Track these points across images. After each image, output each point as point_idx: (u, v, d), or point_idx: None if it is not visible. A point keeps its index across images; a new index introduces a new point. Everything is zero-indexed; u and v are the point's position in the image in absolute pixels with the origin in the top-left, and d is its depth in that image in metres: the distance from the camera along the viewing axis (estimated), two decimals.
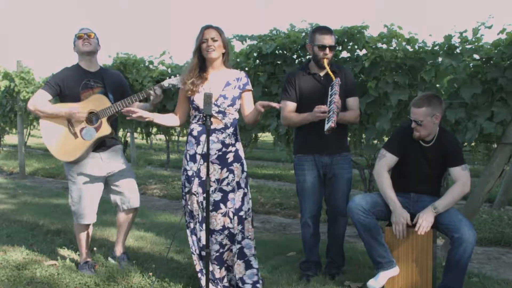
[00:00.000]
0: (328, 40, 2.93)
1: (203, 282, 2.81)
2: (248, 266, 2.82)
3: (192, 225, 2.85)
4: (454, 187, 2.71)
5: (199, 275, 2.84)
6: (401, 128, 2.93)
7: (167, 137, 8.11)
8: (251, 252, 2.84)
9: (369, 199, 2.80)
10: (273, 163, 10.39)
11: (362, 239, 2.79)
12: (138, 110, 2.78)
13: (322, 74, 3.01)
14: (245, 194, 2.84)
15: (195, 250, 2.84)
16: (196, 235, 2.82)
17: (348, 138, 4.16)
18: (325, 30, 2.98)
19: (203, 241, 2.77)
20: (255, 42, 4.13)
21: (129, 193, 3.24)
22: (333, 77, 2.88)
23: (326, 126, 2.73)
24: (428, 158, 2.80)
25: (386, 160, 2.83)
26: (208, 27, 2.75)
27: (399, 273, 2.77)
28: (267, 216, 5.40)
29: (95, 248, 3.55)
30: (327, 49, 2.93)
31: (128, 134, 9.35)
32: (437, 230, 2.75)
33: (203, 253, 2.77)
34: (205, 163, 2.65)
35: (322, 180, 3.07)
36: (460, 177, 2.72)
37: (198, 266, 2.83)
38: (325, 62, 2.93)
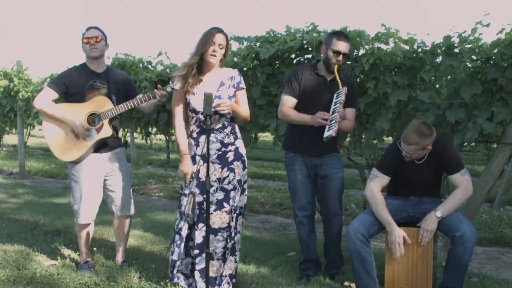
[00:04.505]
0: (344, 47, 2.91)
1: (173, 276, 2.88)
2: (235, 261, 2.90)
3: (181, 225, 2.86)
4: (457, 192, 2.70)
5: (170, 269, 2.89)
6: (392, 146, 2.90)
7: (167, 137, 8.11)
8: (238, 247, 2.92)
9: (367, 221, 2.76)
10: (273, 163, 10.39)
11: (353, 268, 2.74)
12: (187, 174, 2.80)
13: (329, 78, 3.00)
14: (243, 191, 2.89)
15: (177, 246, 2.85)
16: (181, 234, 2.84)
17: (348, 138, 4.17)
18: (343, 36, 2.94)
19: (197, 240, 2.80)
20: (252, 43, 4.13)
21: (122, 200, 3.23)
22: (341, 85, 2.87)
23: (326, 134, 2.72)
24: (424, 171, 2.80)
25: (379, 180, 2.81)
26: (220, 31, 2.74)
27: (400, 273, 2.78)
28: (267, 216, 5.40)
29: (95, 248, 3.55)
30: (341, 55, 2.91)
31: (128, 134, 9.35)
32: (438, 230, 2.74)
33: (196, 251, 2.81)
34: (205, 164, 2.66)
35: (313, 179, 3.07)
36: (461, 182, 2.71)
37: (174, 261, 2.87)
38: (336, 68, 2.91)
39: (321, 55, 3.03)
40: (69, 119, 3.00)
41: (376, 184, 2.80)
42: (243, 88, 2.89)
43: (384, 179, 2.82)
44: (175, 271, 2.89)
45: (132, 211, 3.31)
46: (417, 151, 2.68)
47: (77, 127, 2.99)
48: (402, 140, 2.72)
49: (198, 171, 2.81)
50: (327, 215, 3.10)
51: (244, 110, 2.88)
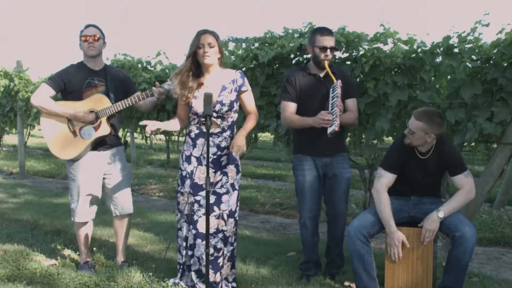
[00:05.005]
0: (329, 41, 2.92)
1: (180, 277, 2.89)
2: (233, 266, 2.90)
3: (181, 223, 2.88)
4: (459, 194, 2.70)
5: (182, 272, 2.90)
6: (396, 143, 2.90)
7: (167, 137, 8.14)
8: (236, 252, 2.91)
9: (367, 221, 2.75)
10: (273, 163, 10.40)
11: (353, 268, 2.74)
12: (148, 123, 2.72)
13: (322, 75, 3.00)
14: (237, 196, 2.88)
15: (184, 248, 2.87)
16: (182, 233, 2.87)
17: (348, 138, 4.17)
18: (326, 31, 2.96)
19: (190, 241, 2.80)
20: (250, 45, 4.13)
21: (121, 198, 3.22)
22: (334, 79, 2.87)
23: (329, 130, 2.72)
24: (427, 169, 2.79)
25: (385, 180, 2.80)
26: (204, 32, 2.71)
27: (399, 273, 2.78)
28: (267, 216, 5.40)
29: (95, 248, 3.55)
30: (328, 50, 2.92)
31: (128, 134, 9.35)
32: (438, 230, 2.74)
33: (190, 252, 2.81)
34: (199, 166, 2.67)
35: (321, 180, 3.07)
36: (464, 184, 2.71)
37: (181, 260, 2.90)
38: (326, 63, 2.92)
39: (309, 54, 3.04)
40: (70, 112, 3.00)
41: (382, 183, 2.79)
42: (247, 90, 2.86)
43: (390, 177, 2.81)
44: (185, 272, 2.90)
45: (131, 210, 3.30)
46: (419, 131, 2.67)
47: (79, 117, 2.98)
48: (413, 114, 2.72)
49: (192, 172, 2.81)
50: (333, 215, 3.10)
51: (251, 120, 2.85)
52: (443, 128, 2.73)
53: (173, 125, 2.94)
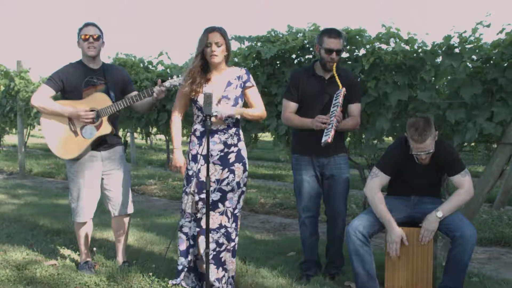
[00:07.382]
0: (336, 44, 2.89)
1: (182, 277, 2.88)
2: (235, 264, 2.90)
3: (182, 222, 2.88)
4: (458, 193, 2.70)
5: (179, 271, 2.89)
6: (395, 144, 2.89)
7: (167, 137, 8.14)
8: (237, 248, 2.90)
9: (366, 221, 2.75)
10: (273, 163, 10.40)
11: (353, 268, 2.74)
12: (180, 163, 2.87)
13: (327, 77, 3.00)
14: (242, 193, 2.88)
15: (187, 247, 2.87)
16: (185, 234, 2.86)
17: (348, 138, 4.18)
18: (334, 33, 2.93)
19: (197, 240, 2.79)
20: (253, 43, 4.13)
21: (120, 199, 3.21)
22: (340, 85, 2.86)
23: (323, 139, 2.73)
24: (426, 170, 2.79)
25: (379, 179, 2.80)
26: (212, 30, 2.72)
27: (399, 273, 2.78)
28: (267, 216, 5.40)
29: (95, 248, 3.55)
30: (334, 53, 2.90)
31: (128, 134, 9.35)
32: (438, 230, 2.74)
33: (199, 253, 2.80)
34: (206, 164, 2.66)
35: (319, 180, 3.07)
36: (462, 184, 2.71)
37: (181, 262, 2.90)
38: (334, 67, 2.91)
39: (311, 55, 3.04)
40: (70, 111, 2.99)
41: (376, 183, 2.80)
42: (252, 86, 2.86)
43: (384, 178, 2.81)
44: (184, 271, 2.89)
45: (130, 210, 3.29)
46: (432, 141, 2.62)
47: (80, 115, 2.97)
48: (414, 143, 2.62)
49: (199, 171, 2.81)
50: (332, 215, 3.11)
51: (256, 110, 2.84)
52: (429, 118, 2.67)
53: (180, 130, 2.97)
